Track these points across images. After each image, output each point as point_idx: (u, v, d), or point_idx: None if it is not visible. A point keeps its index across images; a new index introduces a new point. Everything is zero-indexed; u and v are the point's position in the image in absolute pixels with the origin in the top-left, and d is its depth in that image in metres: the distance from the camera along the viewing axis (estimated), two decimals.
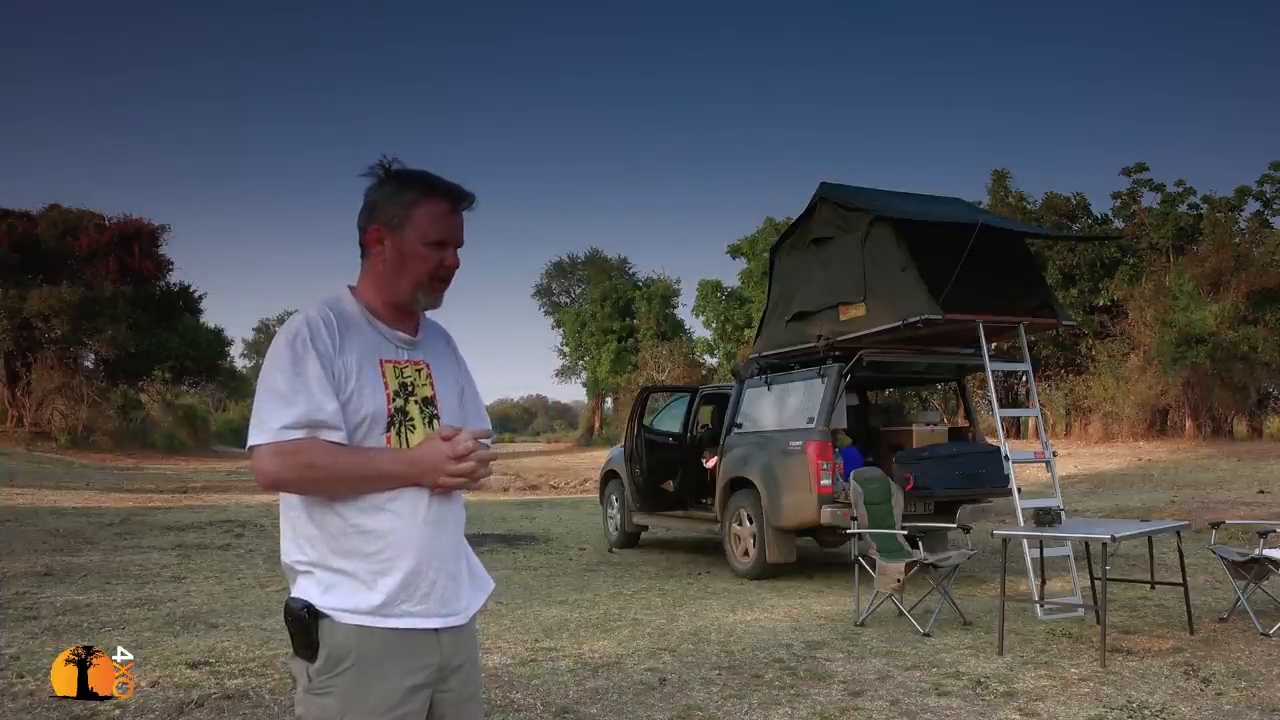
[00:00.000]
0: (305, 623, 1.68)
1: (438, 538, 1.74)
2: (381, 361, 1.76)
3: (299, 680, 1.71)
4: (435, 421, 1.79)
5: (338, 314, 1.76)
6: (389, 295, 1.80)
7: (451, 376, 1.89)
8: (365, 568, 1.69)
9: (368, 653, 1.68)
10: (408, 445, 1.74)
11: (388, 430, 1.73)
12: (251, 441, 1.65)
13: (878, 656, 5.12)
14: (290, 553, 1.73)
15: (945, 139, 76.85)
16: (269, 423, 1.64)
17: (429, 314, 1.91)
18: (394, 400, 1.75)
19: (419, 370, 1.81)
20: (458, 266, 1.81)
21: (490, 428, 1.94)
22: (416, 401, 1.78)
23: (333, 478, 1.67)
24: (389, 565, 1.69)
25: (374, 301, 1.80)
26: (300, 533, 1.72)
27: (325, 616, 1.68)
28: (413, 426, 1.76)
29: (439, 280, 1.79)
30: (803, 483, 7.49)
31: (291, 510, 1.73)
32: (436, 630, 1.74)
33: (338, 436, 1.67)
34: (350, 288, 1.83)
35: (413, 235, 1.76)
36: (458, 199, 1.79)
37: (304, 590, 1.70)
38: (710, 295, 40.80)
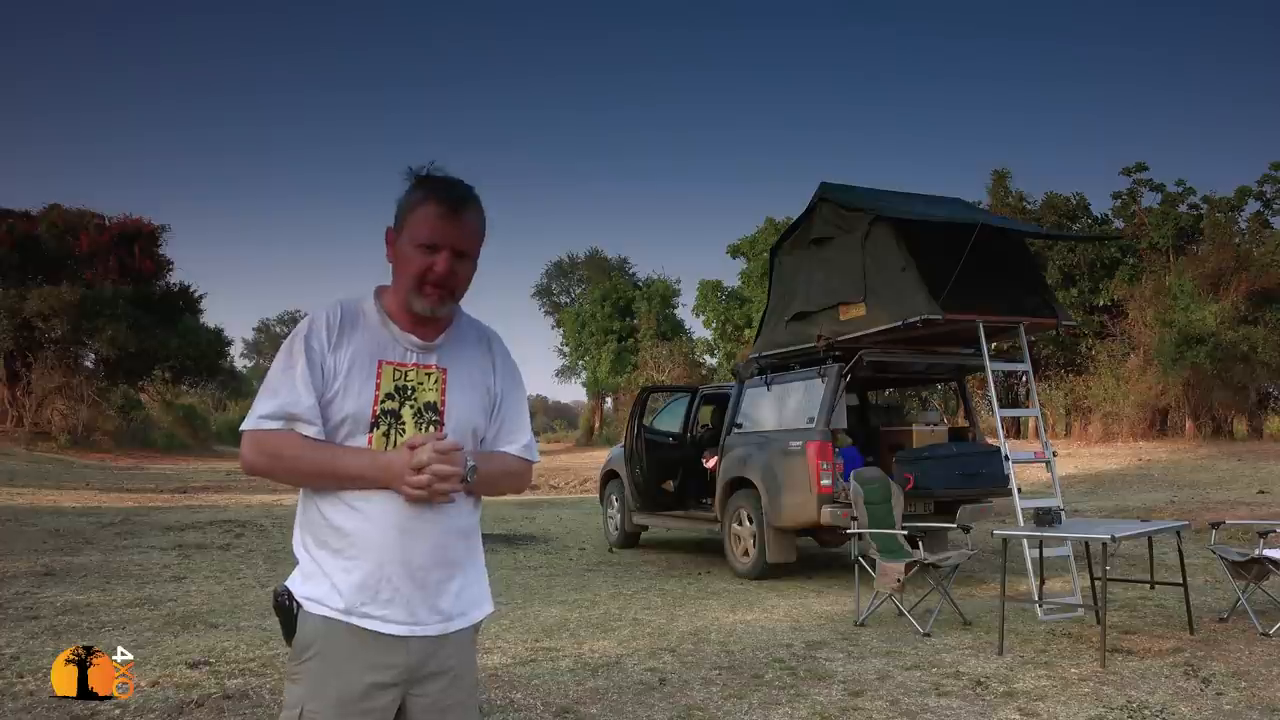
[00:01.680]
0: (285, 608, 1.74)
1: (407, 545, 1.72)
2: (380, 363, 1.76)
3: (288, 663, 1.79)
4: (433, 428, 1.78)
5: (349, 312, 1.78)
6: (397, 297, 1.81)
7: (478, 384, 1.85)
8: (333, 563, 1.73)
9: (331, 645, 1.71)
10: (387, 447, 1.75)
11: (371, 431, 1.74)
12: (241, 428, 1.74)
13: (878, 656, 5.12)
14: (294, 543, 1.81)
15: (945, 139, 76.87)
16: (254, 411, 1.73)
17: (474, 316, 1.92)
18: (382, 402, 1.75)
19: (428, 375, 1.80)
20: (447, 273, 1.74)
21: (527, 441, 1.91)
22: (414, 406, 1.77)
23: (297, 470, 1.72)
24: (351, 564, 1.71)
25: (391, 303, 1.82)
26: (300, 524, 1.79)
27: (301, 606, 1.73)
28: (404, 431, 1.76)
29: (429, 284, 1.74)
30: (803, 483, 7.49)
31: (299, 504, 1.80)
32: (404, 637, 1.74)
33: (312, 431, 1.71)
34: (380, 288, 1.85)
35: (407, 236, 1.77)
36: (451, 202, 1.75)
37: (292, 578, 1.77)
38: (710, 295, 40.76)
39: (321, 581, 1.72)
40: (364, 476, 1.71)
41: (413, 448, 1.70)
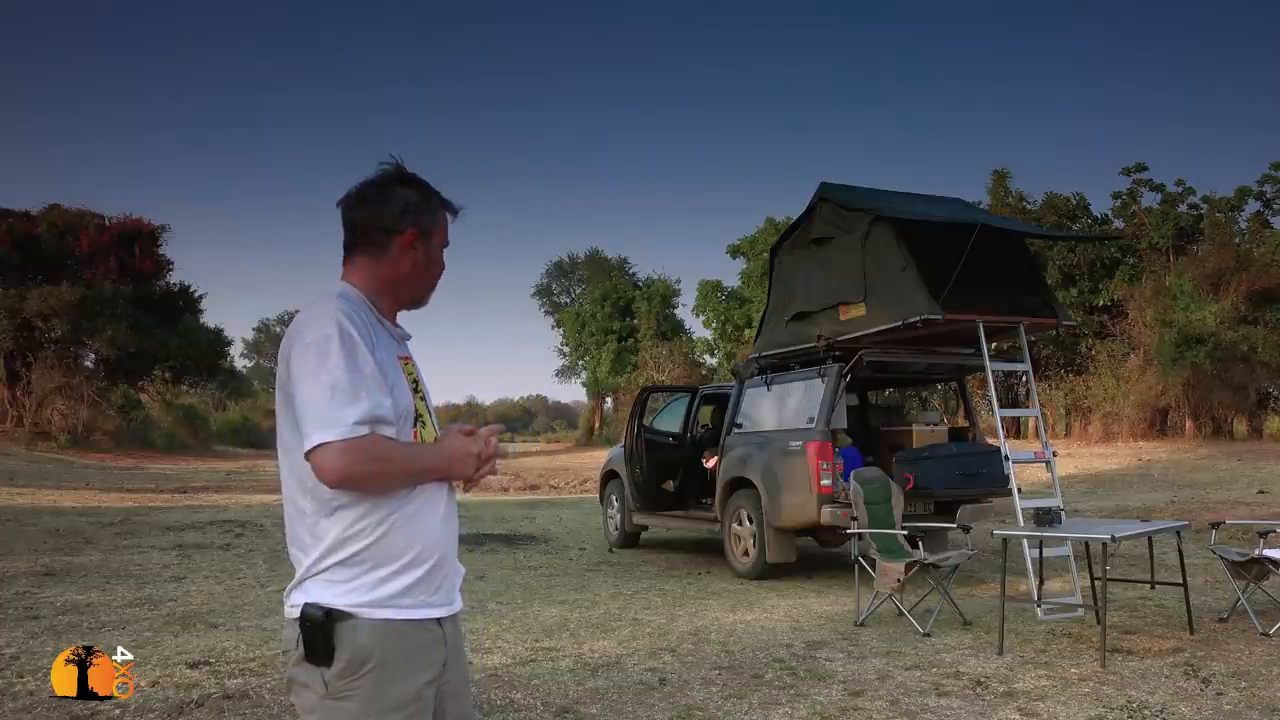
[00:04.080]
0: (324, 626, 1.65)
1: (450, 530, 1.81)
2: (399, 359, 1.81)
3: (312, 688, 1.66)
4: (431, 416, 1.87)
5: (359, 310, 1.77)
6: (405, 296, 1.85)
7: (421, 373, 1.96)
8: (391, 562, 1.70)
9: (389, 652, 1.69)
10: (422, 440, 1.80)
11: (415, 425, 1.78)
12: (321, 438, 1.60)
13: (878, 656, 5.12)
14: (309, 556, 1.70)
15: (945, 139, 76.99)
16: (341, 418, 1.60)
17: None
18: (414, 396, 1.81)
19: (414, 366, 1.88)
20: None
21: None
22: (422, 397, 1.85)
23: (390, 474, 1.67)
24: (417, 558, 1.72)
25: (380, 300, 1.81)
26: (318, 535, 1.69)
27: (348, 618, 1.65)
28: (423, 422, 1.82)
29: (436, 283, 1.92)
30: (803, 483, 7.49)
31: (306, 515, 1.70)
32: (439, 621, 1.78)
33: (392, 432, 1.69)
34: (349, 284, 1.80)
35: (438, 241, 1.86)
36: (455, 210, 1.91)
37: (319, 594, 1.67)
38: (710, 295, 40.79)
39: (374, 585, 1.68)
40: (436, 469, 1.74)
41: (470, 434, 1.77)
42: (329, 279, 1.85)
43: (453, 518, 1.82)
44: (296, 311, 1.85)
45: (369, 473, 1.64)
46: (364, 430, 1.62)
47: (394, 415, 1.69)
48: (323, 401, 1.61)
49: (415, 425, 1.78)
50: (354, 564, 1.68)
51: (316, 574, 1.69)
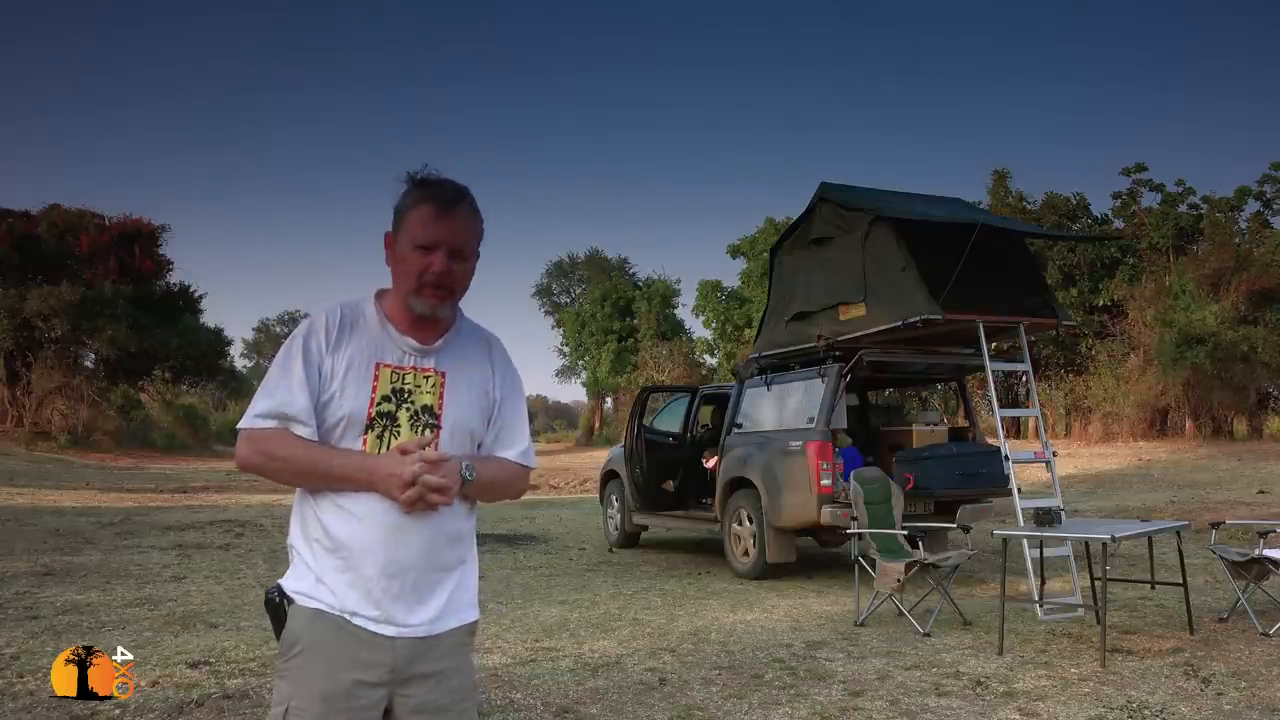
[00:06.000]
0: (275, 605, 1.76)
1: (396, 546, 1.73)
2: (378, 365, 1.78)
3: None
4: (429, 431, 1.78)
5: (349, 314, 1.80)
6: (397, 299, 1.82)
7: (477, 388, 1.86)
8: (325, 561, 1.74)
9: (318, 640, 1.72)
10: (381, 449, 1.76)
11: (365, 433, 1.76)
12: (238, 425, 1.78)
13: (878, 656, 5.12)
14: (288, 540, 1.84)
15: (945, 139, 76.86)
16: (250, 410, 1.75)
17: (475, 320, 1.92)
18: (379, 404, 1.76)
19: (426, 378, 1.80)
20: (444, 271, 1.74)
21: (525, 447, 1.91)
22: (410, 409, 1.78)
23: (289, 469, 1.74)
24: (342, 564, 1.73)
25: (390, 306, 1.83)
26: (295, 521, 1.81)
27: (291, 602, 1.75)
28: (398, 433, 1.77)
29: (427, 285, 1.75)
30: (803, 483, 7.49)
31: (295, 501, 1.83)
32: (391, 637, 1.74)
33: (305, 432, 1.74)
34: (380, 291, 1.86)
35: (404, 239, 1.77)
36: (444, 201, 1.76)
37: (285, 576, 1.79)
38: (710, 295, 40.75)
39: (311, 579, 1.74)
40: (352, 479, 1.72)
41: (404, 452, 1.71)
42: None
43: (410, 532, 1.72)
44: (296, 311, 1.87)
45: (260, 463, 1.75)
46: (267, 424, 1.73)
47: (310, 416, 1.73)
48: (254, 395, 1.78)
49: (370, 433, 1.75)
50: (301, 556, 1.77)
51: (291, 559, 1.81)
